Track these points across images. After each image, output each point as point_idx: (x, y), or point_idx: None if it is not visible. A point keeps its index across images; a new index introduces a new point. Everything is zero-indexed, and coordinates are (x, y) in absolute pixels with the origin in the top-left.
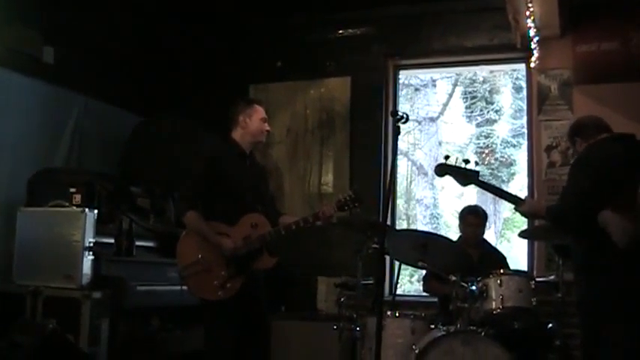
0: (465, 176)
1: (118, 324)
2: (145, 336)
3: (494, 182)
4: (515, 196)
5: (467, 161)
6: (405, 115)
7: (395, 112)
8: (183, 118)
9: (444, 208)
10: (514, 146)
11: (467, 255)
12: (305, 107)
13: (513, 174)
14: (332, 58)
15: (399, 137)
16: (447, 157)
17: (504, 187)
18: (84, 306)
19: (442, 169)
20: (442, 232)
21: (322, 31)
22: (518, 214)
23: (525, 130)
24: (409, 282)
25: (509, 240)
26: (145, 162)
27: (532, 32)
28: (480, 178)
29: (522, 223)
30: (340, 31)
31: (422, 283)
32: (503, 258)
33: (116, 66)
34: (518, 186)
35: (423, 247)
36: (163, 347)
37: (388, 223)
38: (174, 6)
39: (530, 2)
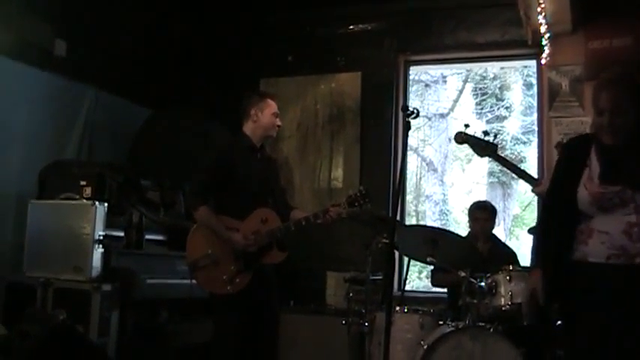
0: (484, 148)
1: (127, 316)
2: (154, 328)
3: (504, 179)
4: (532, 177)
5: (486, 133)
6: (415, 110)
7: (405, 107)
8: (193, 111)
9: (454, 205)
10: (524, 143)
11: (476, 250)
12: (315, 102)
13: None
14: (342, 53)
15: (409, 133)
16: (467, 126)
17: (514, 184)
18: (94, 298)
19: (462, 137)
20: (452, 229)
21: (333, 26)
22: (527, 211)
23: (536, 127)
24: (418, 278)
25: (518, 237)
26: (156, 155)
27: (543, 28)
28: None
29: (532, 220)
30: (351, 26)
31: (430, 276)
32: (513, 254)
33: (127, 59)
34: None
35: (433, 242)
36: (172, 339)
37: (397, 218)
38: (185, 0)
39: None
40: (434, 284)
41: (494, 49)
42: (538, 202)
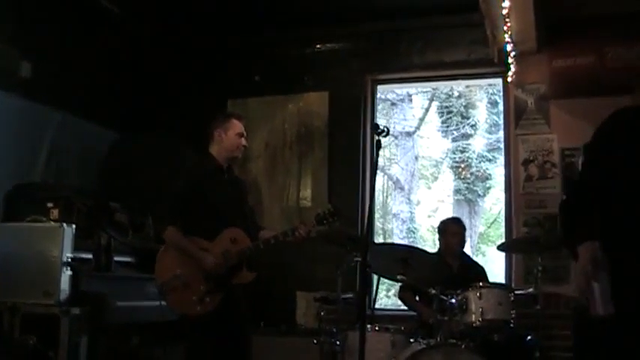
0: None
1: (98, 340)
2: (125, 352)
3: (470, 197)
4: None
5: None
6: (386, 129)
7: (376, 126)
8: (161, 133)
9: (421, 223)
10: (489, 160)
11: (446, 266)
12: (283, 122)
13: (489, 188)
14: (310, 73)
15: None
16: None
17: (480, 202)
18: (62, 322)
19: None
20: (419, 246)
21: (300, 46)
22: (492, 228)
23: (502, 144)
24: (386, 296)
25: (485, 254)
26: (124, 177)
27: (509, 47)
28: None
29: (497, 237)
30: (318, 46)
31: (398, 290)
32: (483, 270)
33: (94, 82)
34: (493, 200)
35: (404, 260)
36: None
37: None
38: (152, 21)
39: (508, 18)
40: (400, 299)
41: (460, 67)
42: (506, 219)
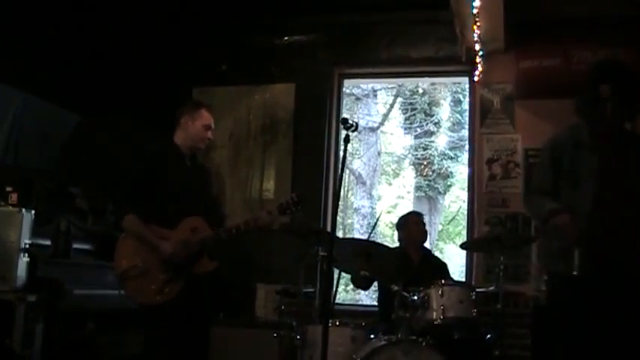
0: None
1: (54, 327)
2: (82, 340)
3: (431, 194)
4: None
5: None
6: (355, 124)
7: (345, 120)
8: (125, 119)
9: (381, 218)
10: (451, 158)
11: (408, 260)
12: (248, 112)
13: (450, 185)
14: (277, 64)
15: (340, 146)
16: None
17: (440, 199)
18: (18, 309)
19: None
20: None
21: (269, 37)
22: (451, 225)
23: (467, 143)
24: (344, 291)
25: (442, 251)
26: (86, 161)
27: (477, 46)
28: None
29: (455, 235)
30: (286, 37)
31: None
32: (444, 264)
33: (57, 63)
34: (453, 197)
35: (366, 255)
36: (100, 352)
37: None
38: (119, 5)
39: (478, 17)
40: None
41: (428, 64)
42: (468, 217)
